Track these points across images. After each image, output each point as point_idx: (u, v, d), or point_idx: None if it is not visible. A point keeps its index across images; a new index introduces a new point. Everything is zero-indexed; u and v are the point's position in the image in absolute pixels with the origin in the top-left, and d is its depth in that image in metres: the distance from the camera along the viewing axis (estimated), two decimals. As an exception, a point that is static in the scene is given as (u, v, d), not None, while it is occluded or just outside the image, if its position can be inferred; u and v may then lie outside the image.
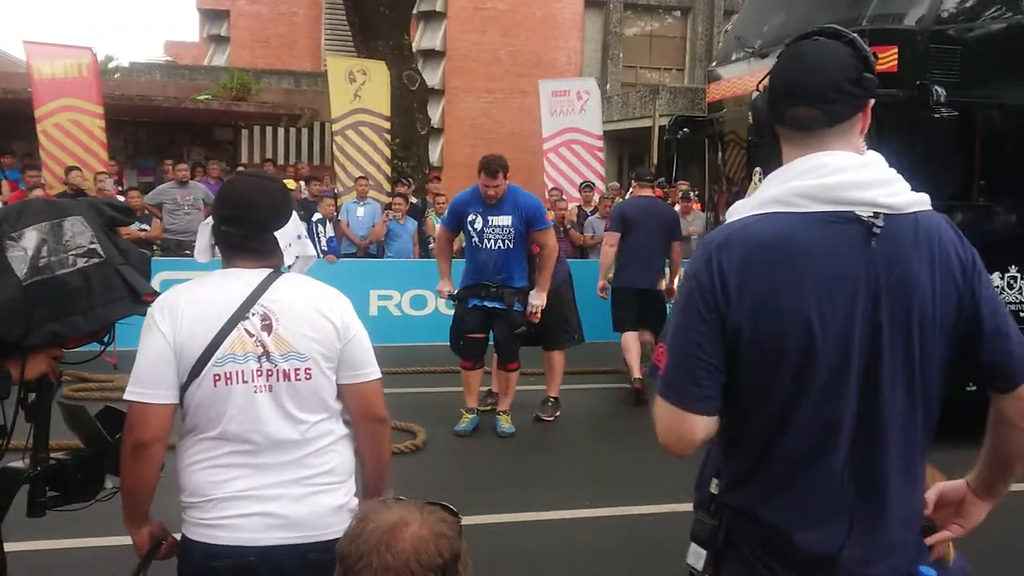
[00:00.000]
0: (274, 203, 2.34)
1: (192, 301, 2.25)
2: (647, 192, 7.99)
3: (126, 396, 2.20)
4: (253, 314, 2.24)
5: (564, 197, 13.05)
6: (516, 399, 6.89)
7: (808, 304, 1.72)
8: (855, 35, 1.82)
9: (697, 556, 1.85)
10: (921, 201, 1.80)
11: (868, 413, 1.76)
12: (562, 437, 6.88)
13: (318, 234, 10.74)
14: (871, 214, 1.74)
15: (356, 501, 2.37)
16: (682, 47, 27.15)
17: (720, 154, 8.48)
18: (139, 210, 10.98)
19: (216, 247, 2.39)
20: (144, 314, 2.29)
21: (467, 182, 17.63)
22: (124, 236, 2.54)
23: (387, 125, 13.29)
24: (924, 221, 1.78)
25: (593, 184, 13.46)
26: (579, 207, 12.76)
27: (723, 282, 1.75)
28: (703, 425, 1.78)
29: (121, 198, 11.49)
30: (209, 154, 17.02)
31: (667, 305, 7.79)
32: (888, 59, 6.19)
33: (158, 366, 2.19)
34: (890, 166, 1.83)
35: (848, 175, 1.75)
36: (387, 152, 13.31)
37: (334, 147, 13.31)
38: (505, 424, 6.75)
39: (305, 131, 19.96)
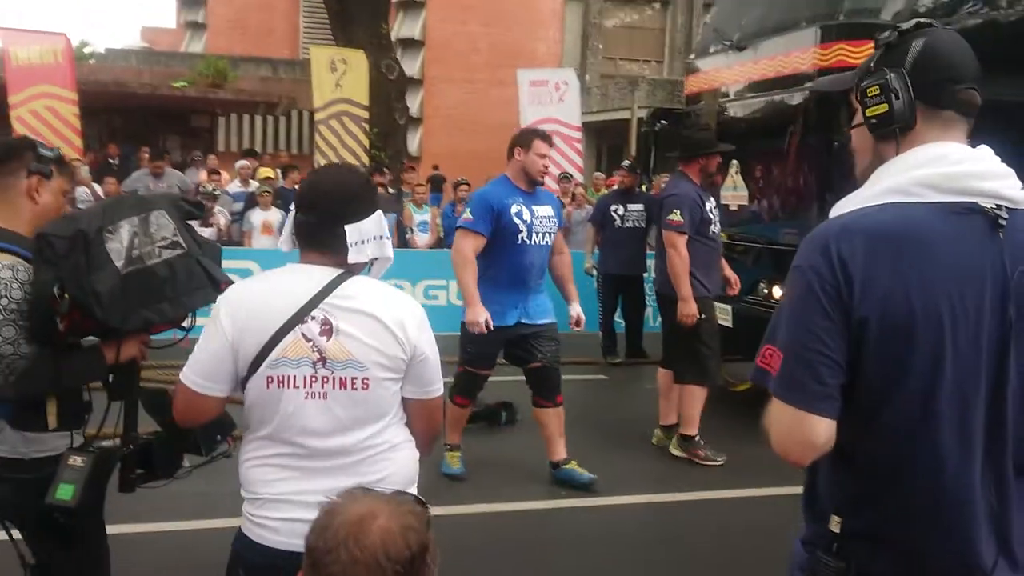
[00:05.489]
0: (349, 194, 2.30)
1: (254, 297, 2.23)
2: None
3: (180, 376, 2.23)
4: (313, 317, 2.16)
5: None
6: (503, 390, 6.82)
7: (939, 298, 1.61)
8: None
9: None
10: None
11: (996, 419, 1.63)
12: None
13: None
14: (994, 205, 1.65)
15: None
16: (661, 39, 27.19)
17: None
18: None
19: (295, 238, 2.37)
20: None
21: (447, 173, 17.34)
22: None
23: (365, 115, 13.21)
24: None
25: (571, 175, 13.45)
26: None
27: (845, 272, 1.62)
28: (825, 427, 1.64)
29: (97, 186, 11.39)
30: (185, 142, 16.89)
31: None
32: (863, 54, 6.20)
33: (215, 361, 2.19)
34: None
35: (969, 166, 1.69)
36: (365, 142, 13.24)
37: (317, 137, 13.23)
38: (580, 471, 5.50)
39: (283, 119, 19.85)
